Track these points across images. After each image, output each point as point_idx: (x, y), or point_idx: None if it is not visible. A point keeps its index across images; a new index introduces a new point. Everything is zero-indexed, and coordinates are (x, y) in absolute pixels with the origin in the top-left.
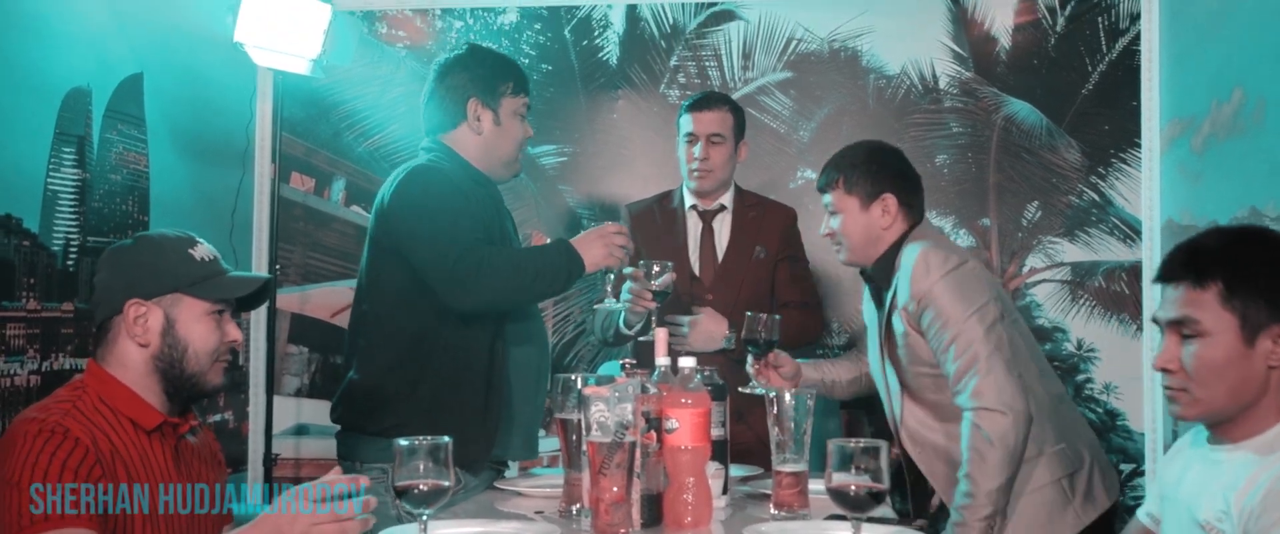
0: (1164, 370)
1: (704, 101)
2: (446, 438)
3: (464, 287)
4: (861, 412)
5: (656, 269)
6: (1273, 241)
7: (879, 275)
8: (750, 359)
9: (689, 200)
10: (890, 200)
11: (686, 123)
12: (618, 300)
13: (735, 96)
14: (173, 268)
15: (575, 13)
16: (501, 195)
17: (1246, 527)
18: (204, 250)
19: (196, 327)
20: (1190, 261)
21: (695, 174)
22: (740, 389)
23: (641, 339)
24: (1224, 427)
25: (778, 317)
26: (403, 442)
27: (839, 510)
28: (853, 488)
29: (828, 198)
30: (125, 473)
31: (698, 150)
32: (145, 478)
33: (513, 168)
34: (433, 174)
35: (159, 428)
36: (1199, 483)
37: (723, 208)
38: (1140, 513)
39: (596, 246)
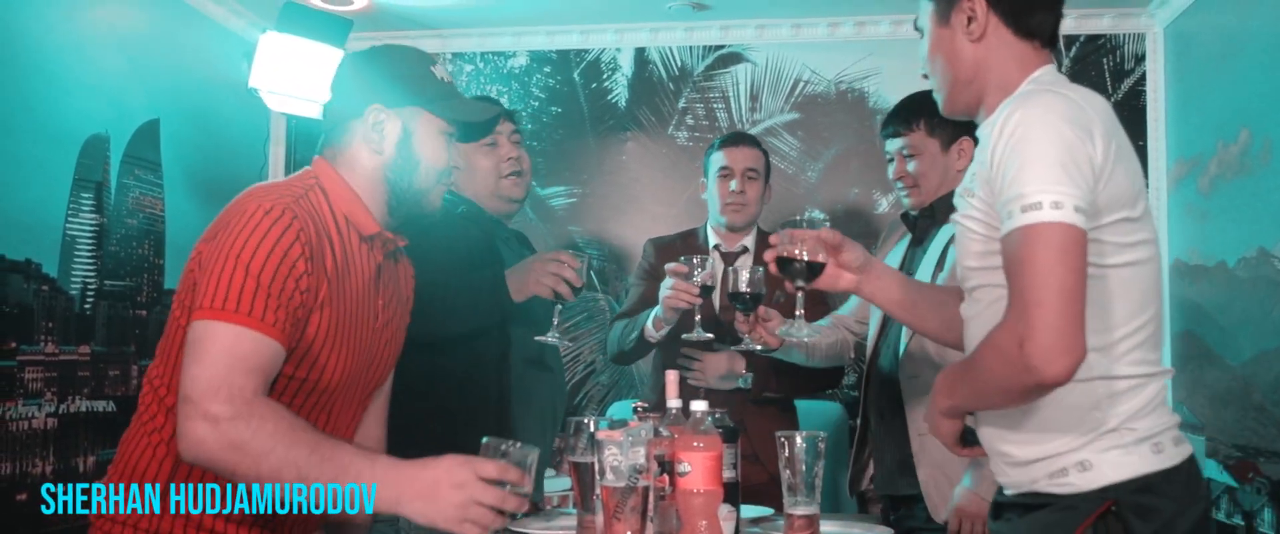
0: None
1: (737, 138)
2: (536, 448)
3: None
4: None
5: (697, 260)
6: None
7: (940, 213)
8: (739, 316)
9: (712, 240)
10: (967, 144)
11: (720, 159)
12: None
13: None
14: (417, 81)
15: (584, 56)
16: (496, 222)
17: (988, 176)
18: (442, 71)
19: (430, 143)
20: None
21: (731, 207)
22: (734, 348)
23: (684, 336)
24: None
25: (760, 269)
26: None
27: None
28: None
29: (900, 142)
30: (328, 273)
31: (734, 184)
32: (347, 282)
33: (494, 201)
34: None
35: (372, 237)
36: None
37: (745, 249)
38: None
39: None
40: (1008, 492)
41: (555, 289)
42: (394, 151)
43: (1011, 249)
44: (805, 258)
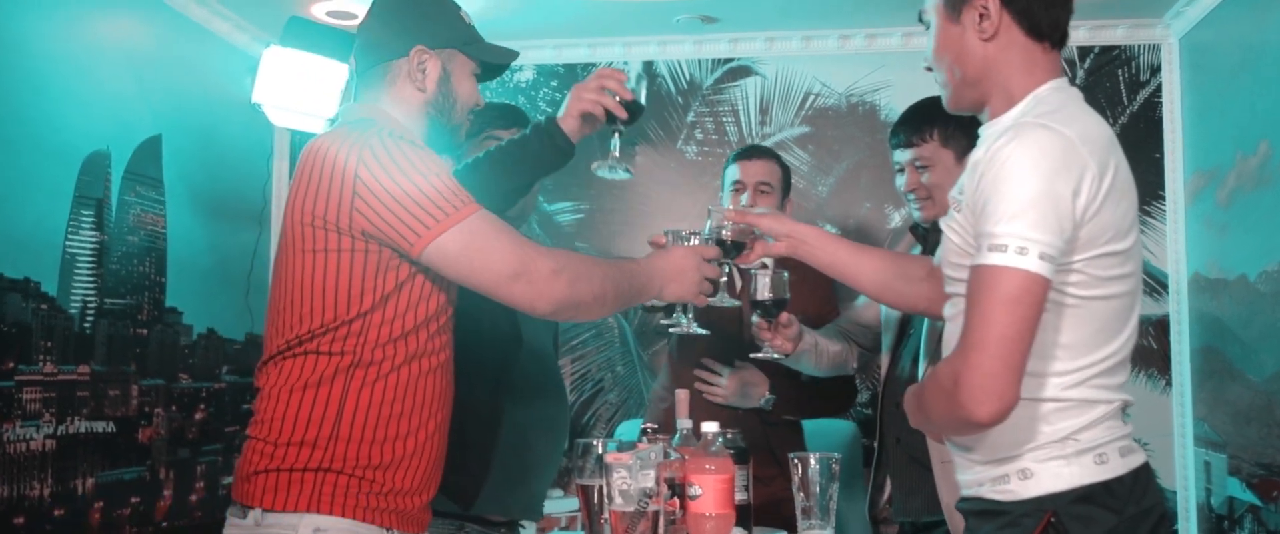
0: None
1: (750, 151)
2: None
3: None
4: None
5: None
6: None
7: None
8: (761, 322)
9: None
10: None
11: (733, 172)
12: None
13: None
14: (452, 24)
15: (592, 70)
16: None
17: (971, 199)
18: (466, 14)
19: (464, 83)
20: None
21: None
22: (752, 355)
23: (674, 328)
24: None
25: (785, 273)
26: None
27: None
28: None
29: (911, 153)
30: None
31: (745, 199)
32: None
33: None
34: None
35: None
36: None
37: (764, 265)
38: None
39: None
40: (965, 491)
41: (604, 106)
42: (435, 89)
43: (972, 284)
44: (731, 237)
